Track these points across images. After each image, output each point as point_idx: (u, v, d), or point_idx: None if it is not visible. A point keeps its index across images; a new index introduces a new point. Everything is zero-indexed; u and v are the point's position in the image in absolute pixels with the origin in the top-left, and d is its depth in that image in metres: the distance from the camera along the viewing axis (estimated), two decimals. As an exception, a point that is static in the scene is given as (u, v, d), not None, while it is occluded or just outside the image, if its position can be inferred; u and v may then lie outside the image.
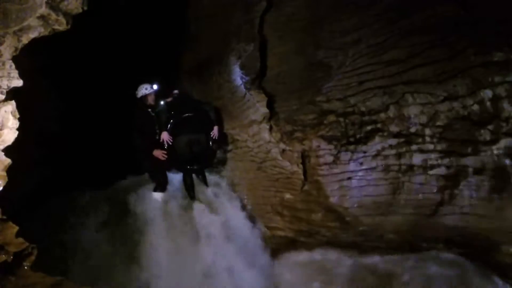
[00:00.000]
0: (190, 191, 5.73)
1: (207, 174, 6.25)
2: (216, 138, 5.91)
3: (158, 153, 5.46)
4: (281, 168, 5.87)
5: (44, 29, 3.32)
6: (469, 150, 4.31)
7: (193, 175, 5.91)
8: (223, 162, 6.75)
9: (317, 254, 5.71)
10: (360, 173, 5.17)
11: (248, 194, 6.39)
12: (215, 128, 5.87)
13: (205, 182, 6.05)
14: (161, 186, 5.54)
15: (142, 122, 5.57)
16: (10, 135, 3.32)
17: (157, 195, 5.47)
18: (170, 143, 5.55)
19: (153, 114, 5.67)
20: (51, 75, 5.93)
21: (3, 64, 3.18)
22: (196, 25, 7.34)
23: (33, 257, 2.97)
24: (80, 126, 6.74)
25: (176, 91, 6.20)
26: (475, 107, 4.22)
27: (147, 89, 5.65)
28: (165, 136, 5.53)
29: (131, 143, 5.51)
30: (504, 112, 4.03)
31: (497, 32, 4.02)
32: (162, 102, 5.86)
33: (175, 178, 6.14)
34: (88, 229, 4.96)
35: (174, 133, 5.61)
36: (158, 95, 5.89)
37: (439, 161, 4.58)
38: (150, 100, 5.69)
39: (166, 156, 5.51)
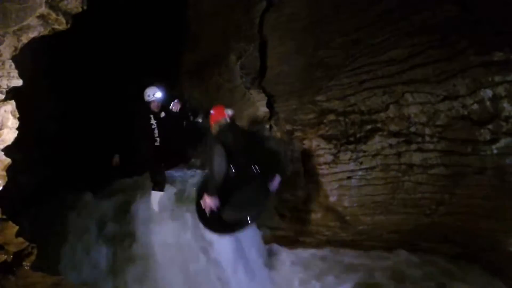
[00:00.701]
0: None
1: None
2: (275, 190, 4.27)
3: None
4: (281, 168, 5.87)
5: (44, 29, 3.33)
6: (469, 149, 4.31)
7: None
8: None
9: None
10: (360, 173, 5.17)
11: (248, 194, 6.39)
12: (277, 179, 4.18)
13: None
14: (160, 185, 5.55)
15: (142, 125, 5.57)
16: (10, 134, 3.33)
17: (156, 194, 5.49)
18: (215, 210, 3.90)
19: (155, 120, 5.64)
20: (51, 75, 5.93)
21: (3, 63, 3.18)
22: (196, 24, 7.34)
23: (33, 257, 2.98)
24: (80, 126, 6.74)
25: (230, 112, 4.44)
26: (475, 106, 4.22)
27: (149, 96, 5.60)
28: (211, 203, 3.83)
29: (132, 143, 5.51)
30: (504, 112, 4.02)
31: (497, 31, 4.02)
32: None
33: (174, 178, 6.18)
34: (88, 229, 4.99)
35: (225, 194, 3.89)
36: (164, 102, 5.85)
37: (439, 161, 4.58)
38: (153, 107, 5.67)
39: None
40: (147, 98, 5.61)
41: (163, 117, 5.68)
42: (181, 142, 6.19)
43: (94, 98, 7.27)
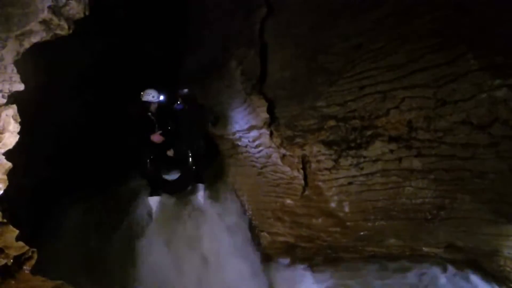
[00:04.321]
0: None
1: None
2: None
3: None
4: (281, 173, 5.87)
5: (46, 34, 3.35)
6: (470, 154, 4.30)
7: None
8: (224, 167, 6.76)
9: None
10: (360, 178, 5.17)
11: (248, 199, 6.39)
12: None
13: None
14: (157, 190, 5.57)
15: (140, 123, 5.61)
16: (11, 138, 3.32)
17: (154, 200, 5.51)
18: None
19: (152, 118, 5.68)
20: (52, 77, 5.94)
21: (5, 68, 3.19)
22: (197, 30, 7.39)
23: (33, 261, 2.97)
24: (82, 129, 6.74)
25: None
26: (475, 110, 4.21)
27: (153, 97, 5.67)
28: None
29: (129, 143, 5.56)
30: (504, 115, 4.01)
31: (497, 35, 4.03)
32: None
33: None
34: (89, 231, 5.00)
35: None
36: (161, 105, 5.94)
37: (440, 165, 4.57)
38: (152, 108, 5.71)
39: None
40: (150, 99, 5.65)
41: (161, 119, 5.73)
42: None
43: (95, 101, 7.28)
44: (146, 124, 5.62)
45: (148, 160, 5.63)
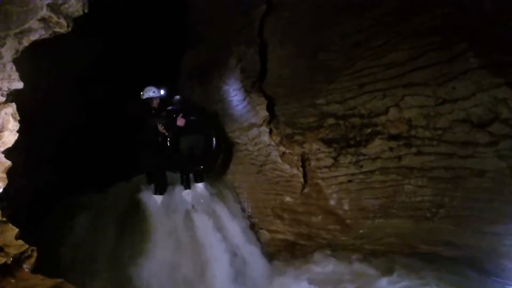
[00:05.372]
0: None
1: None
2: None
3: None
4: (281, 171, 5.87)
5: (45, 32, 3.34)
6: (469, 152, 4.29)
7: None
8: (223, 165, 6.75)
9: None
10: (360, 176, 5.17)
11: (248, 197, 6.40)
12: None
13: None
14: (161, 188, 5.55)
15: (144, 121, 5.59)
16: (10, 137, 3.32)
17: (157, 198, 5.48)
18: None
19: (155, 115, 5.69)
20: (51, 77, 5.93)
21: (4, 66, 3.18)
22: (196, 28, 7.37)
23: (33, 259, 2.97)
24: (82, 129, 6.73)
25: None
26: (475, 109, 4.20)
27: (154, 92, 5.66)
28: None
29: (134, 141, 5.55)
30: (503, 114, 4.00)
31: (497, 34, 4.02)
32: None
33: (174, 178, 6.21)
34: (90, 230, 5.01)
35: None
36: (162, 100, 5.94)
37: (439, 164, 4.57)
38: (155, 104, 5.71)
39: None
40: (151, 95, 5.64)
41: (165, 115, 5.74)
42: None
43: (95, 100, 7.26)
44: (150, 122, 5.63)
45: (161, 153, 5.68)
